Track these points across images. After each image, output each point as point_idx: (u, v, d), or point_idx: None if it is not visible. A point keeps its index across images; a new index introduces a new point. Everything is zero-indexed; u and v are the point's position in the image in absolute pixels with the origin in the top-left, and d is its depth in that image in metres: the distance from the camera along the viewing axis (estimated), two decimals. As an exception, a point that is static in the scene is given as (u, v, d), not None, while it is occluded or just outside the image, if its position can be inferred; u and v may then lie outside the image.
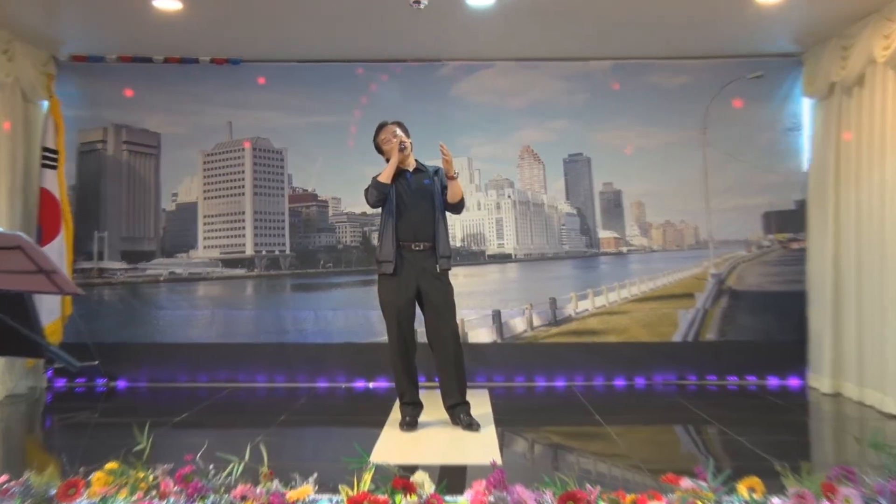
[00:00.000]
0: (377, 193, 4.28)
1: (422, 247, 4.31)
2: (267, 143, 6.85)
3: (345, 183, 6.72)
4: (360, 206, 6.86)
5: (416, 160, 4.49)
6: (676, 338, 6.16)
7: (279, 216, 6.97)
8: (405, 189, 4.28)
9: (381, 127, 4.52)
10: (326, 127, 6.59)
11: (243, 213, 6.87)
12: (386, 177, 4.30)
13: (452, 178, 4.24)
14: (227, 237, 6.79)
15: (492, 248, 6.97)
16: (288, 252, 6.90)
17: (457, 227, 6.80)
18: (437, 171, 4.35)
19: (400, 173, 4.41)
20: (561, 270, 6.84)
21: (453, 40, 5.93)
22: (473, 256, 6.83)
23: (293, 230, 6.96)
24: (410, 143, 4.38)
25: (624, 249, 6.71)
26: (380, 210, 4.33)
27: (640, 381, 6.03)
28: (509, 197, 7.03)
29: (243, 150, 6.86)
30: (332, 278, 6.80)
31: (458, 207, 4.31)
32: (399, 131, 4.43)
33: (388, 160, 4.36)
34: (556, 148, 6.70)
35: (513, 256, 6.95)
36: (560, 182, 6.91)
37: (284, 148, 6.86)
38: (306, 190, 7.00)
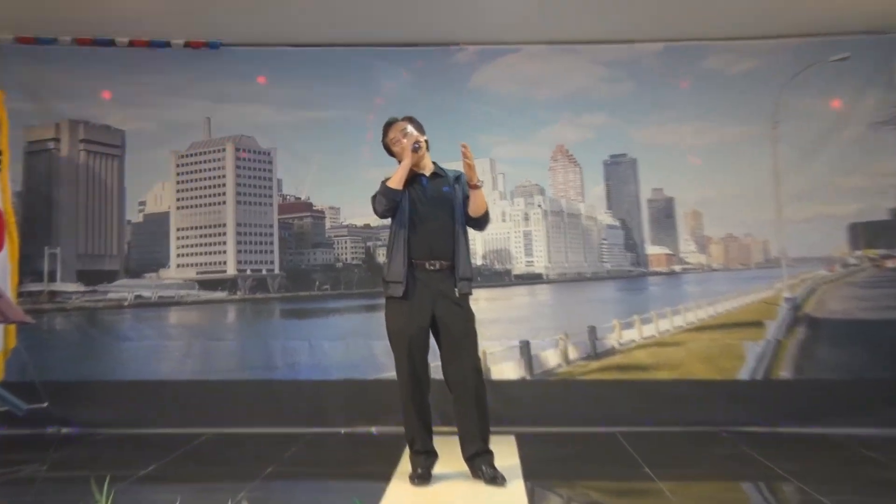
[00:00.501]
0: (386, 201, 4.29)
1: (438, 266, 4.33)
2: (252, 142, 6.88)
3: (345, 190, 6.74)
4: (363, 216, 6.87)
5: (433, 163, 4.49)
6: (743, 375, 6.10)
7: (267, 229, 6.98)
8: (420, 197, 4.36)
9: (388, 125, 4.54)
10: (323, 123, 6.61)
11: (224, 225, 6.90)
12: (397, 181, 4.34)
13: (476, 187, 4.29)
14: (205, 254, 6.81)
15: (519, 266, 6.94)
16: (277, 272, 6.90)
17: (478, 243, 6.80)
18: (458, 176, 4.42)
19: (414, 178, 4.41)
20: (601, 293, 6.80)
21: (471, 20, 5.94)
22: (497, 277, 6.82)
23: (283, 246, 6.97)
24: (426, 141, 4.43)
25: (677, 268, 6.68)
26: (388, 222, 4.37)
27: (698, 427, 5.97)
28: (539, 206, 7.01)
29: (224, 150, 6.90)
30: (329, 302, 6.79)
31: (481, 222, 4.38)
32: (411, 128, 4.48)
33: (400, 162, 4.40)
34: (595, 147, 6.69)
35: (544, 277, 6.92)
36: (600, 188, 6.89)
37: (273, 148, 6.89)
38: (299, 198, 7.02)
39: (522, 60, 6.63)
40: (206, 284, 6.70)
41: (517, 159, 6.69)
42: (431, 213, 4.32)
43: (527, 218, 6.90)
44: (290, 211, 6.88)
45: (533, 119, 6.63)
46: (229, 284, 6.70)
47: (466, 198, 4.34)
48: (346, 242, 6.86)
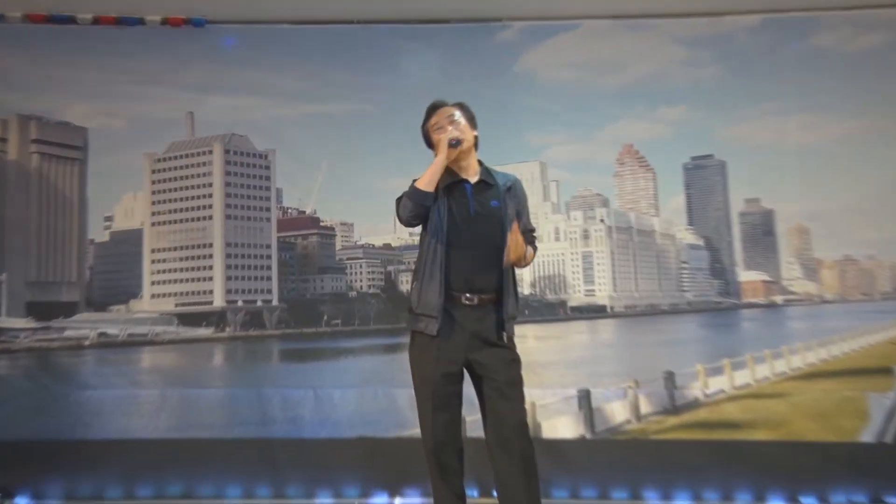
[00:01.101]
0: (412, 206, 4.29)
1: (477, 301, 4.29)
2: (246, 142, 6.91)
3: (360, 203, 6.74)
4: (383, 234, 6.87)
5: (480, 164, 4.49)
6: (866, 436, 6.01)
7: (263, 250, 7.00)
8: (461, 209, 4.37)
9: (433, 108, 4.54)
10: (333, 120, 6.61)
11: (210, 245, 6.93)
12: (427, 182, 4.30)
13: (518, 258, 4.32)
14: (187, 281, 6.84)
15: (577, 296, 6.91)
16: (276, 303, 6.92)
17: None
18: (510, 185, 4.46)
19: (455, 185, 4.41)
20: (681, 331, 6.75)
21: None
22: (549, 309, 6.80)
23: (284, 271, 6.99)
24: (475, 136, 4.43)
25: (778, 299, 6.63)
26: (416, 239, 4.31)
27: (808, 502, 5.92)
28: (602, 221, 6.98)
29: (211, 153, 6.94)
30: (340, 341, 6.78)
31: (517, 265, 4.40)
32: (459, 116, 4.49)
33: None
34: (673, 148, 6.65)
35: (608, 309, 6.88)
36: (679, 199, 6.85)
37: (271, 150, 6.92)
38: (303, 212, 7.04)
39: (581, 40, 6.61)
40: (187, 319, 6.73)
41: (574, 163, 6.66)
42: (474, 232, 4.31)
43: (586, 236, 6.86)
44: (293, 228, 6.90)
45: (594, 113, 6.61)
46: (216, 319, 6.72)
47: (519, 215, 4.37)
48: (361, 267, 6.87)
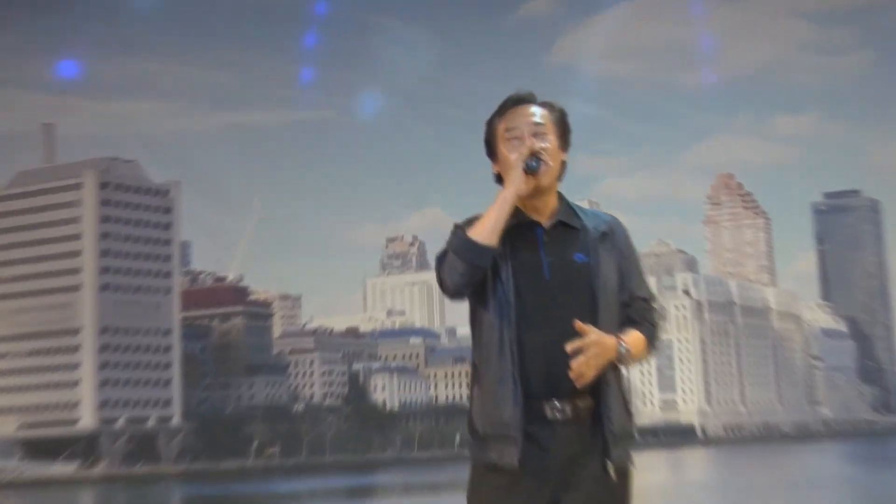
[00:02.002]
0: (464, 268, 4.27)
1: (570, 412, 4.26)
2: (134, 171, 6.93)
3: (312, 261, 6.77)
4: (347, 312, 6.88)
5: (560, 198, 4.54)
6: None
7: (160, 339, 7.03)
8: (530, 269, 4.38)
9: (514, 103, 4.58)
10: (271, 134, 6.64)
11: (77, 331, 6.94)
12: (489, 229, 4.28)
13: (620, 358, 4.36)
14: (39, 388, 6.83)
15: (647, 410, 6.91)
16: (178, 422, 6.92)
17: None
18: (606, 229, 4.52)
19: (521, 230, 4.42)
20: (815, 466, 6.72)
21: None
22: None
23: (192, 371, 7.00)
24: (564, 162, 4.51)
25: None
26: (466, 313, 4.41)
27: None
28: (686, 293, 7.02)
29: (80, 187, 6.96)
30: (278, 483, 6.78)
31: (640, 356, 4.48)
32: (540, 118, 4.49)
33: (503, 186, 4.44)
34: (798, 180, 6.70)
35: (698, 431, 6.87)
36: (807, 259, 6.91)
37: (173, 182, 6.96)
38: (223, 278, 7.06)
39: (646, 13, 6.63)
40: (37, 449, 6.70)
41: (640, 202, 6.71)
42: (552, 303, 4.33)
43: (665, 317, 6.88)
44: (207, 303, 6.91)
45: (670, 125, 6.65)
46: (83, 448, 6.69)
47: (622, 276, 4.43)
48: (312, 364, 6.86)
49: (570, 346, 4.10)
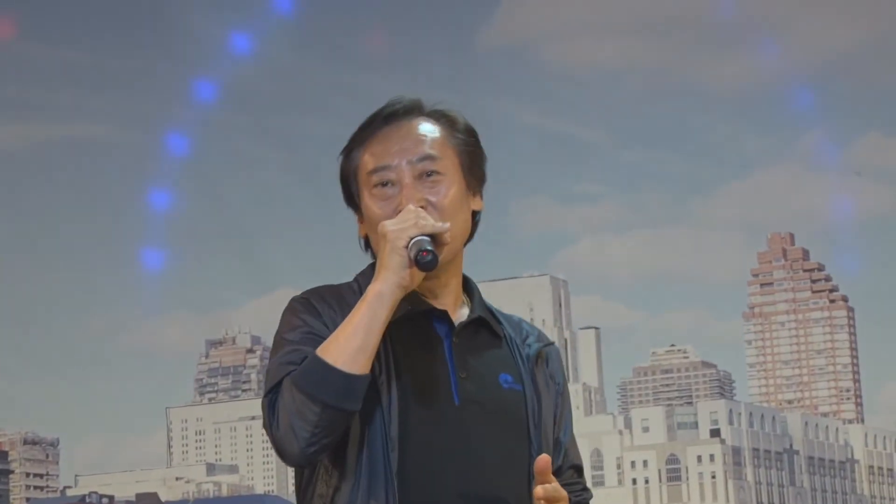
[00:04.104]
0: (319, 413, 3.18)
1: None
2: None
3: (78, 373, 4.62)
4: (142, 458, 4.81)
5: (467, 282, 3.59)
6: None
7: None
8: (430, 389, 3.41)
9: (377, 124, 3.53)
10: None
11: None
12: (356, 348, 3.20)
13: None
14: None
15: None
16: None
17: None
18: (543, 348, 3.61)
19: (410, 322, 3.40)
20: None
21: None
22: None
23: None
24: (477, 212, 3.54)
25: None
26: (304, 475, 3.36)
27: None
28: (716, 434, 5.02)
29: None
30: None
31: None
32: (430, 148, 3.43)
33: (374, 254, 3.49)
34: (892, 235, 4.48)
35: None
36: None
37: None
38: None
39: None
40: None
41: (634, 275, 4.54)
42: (465, 447, 3.36)
43: (675, 476, 4.85)
44: None
45: (688, 146, 4.43)
46: None
47: (559, 427, 3.53)
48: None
49: (539, 490, 3.24)
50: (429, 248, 3.14)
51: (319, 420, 3.14)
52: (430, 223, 3.20)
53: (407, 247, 3.17)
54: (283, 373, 3.17)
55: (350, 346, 3.15)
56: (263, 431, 3.23)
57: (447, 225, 3.25)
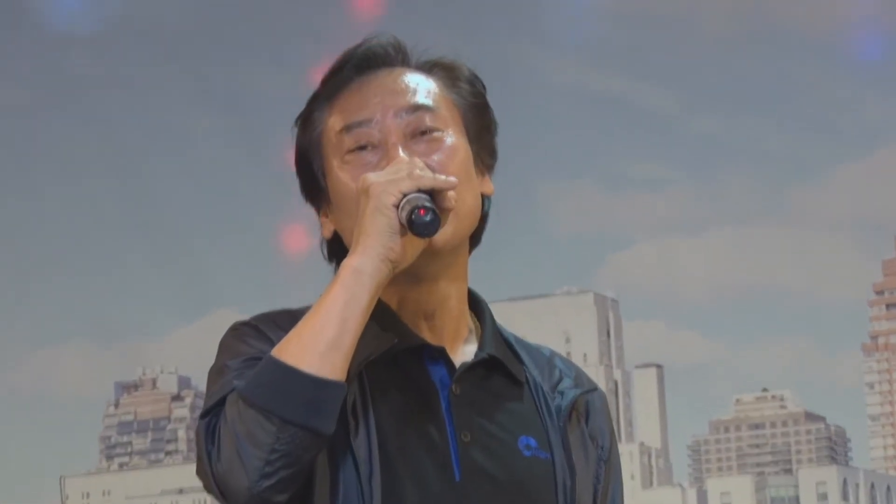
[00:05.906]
0: (274, 435, 2.57)
1: None
2: None
3: None
4: None
5: (477, 303, 2.98)
6: None
7: None
8: (422, 459, 2.78)
9: (347, 73, 2.87)
10: None
11: None
12: (327, 344, 2.58)
13: None
14: None
15: None
16: None
17: None
18: (577, 399, 3.02)
19: (395, 362, 2.78)
20: None
21: None
22: None
23: None
24: (487, 196, 2.94)
25: None
26: None
27: None
28: None
29: None
30: None
31: None
32: (424, 97, 2.83)
33: (346, 239, 2.79)
34: None
35: None
36: None
37: None
38: None
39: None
40: None
41: (712, 297, 4.01)
42: None
43: None
44: None
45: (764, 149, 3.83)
46: None
47: (604, 493, 2.95)
48: None
49: None
50: (428, 204, 2.56)
51: (276, 443, 2.56)
52: (430, 175, 2.58)
53: (398, 206, 2.56)
54: (227, 390, 2.60)
55: (318, 342, 2.57)
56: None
57: (454, 179, 2.64)
